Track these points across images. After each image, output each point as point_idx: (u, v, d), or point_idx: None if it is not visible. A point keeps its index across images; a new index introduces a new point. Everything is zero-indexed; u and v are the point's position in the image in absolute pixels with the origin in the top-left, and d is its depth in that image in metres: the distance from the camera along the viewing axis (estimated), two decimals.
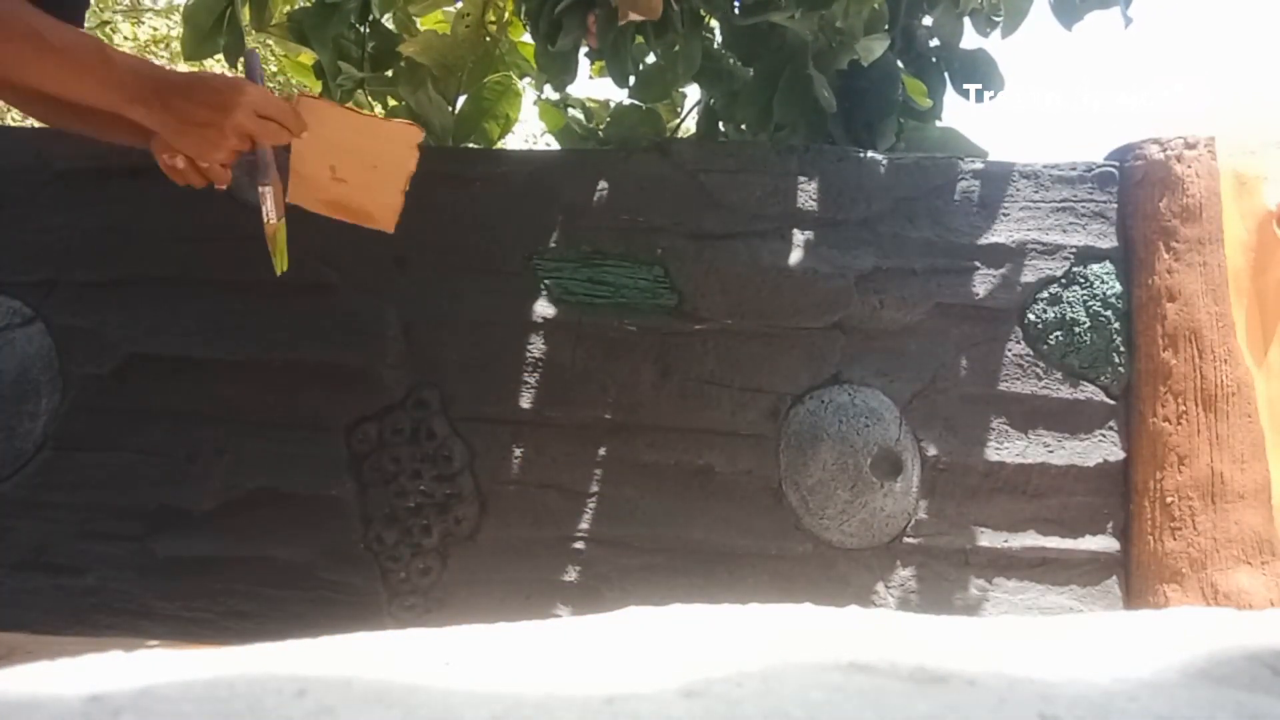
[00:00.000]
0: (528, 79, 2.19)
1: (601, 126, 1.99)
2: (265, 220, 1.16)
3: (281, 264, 1.23)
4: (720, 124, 2.12)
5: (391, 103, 2.28)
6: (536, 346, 1.62)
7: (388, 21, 2.08)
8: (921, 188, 1.66)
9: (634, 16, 1.57)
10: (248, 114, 1.03)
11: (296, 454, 1.59)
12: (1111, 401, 1.62)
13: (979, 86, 1.96)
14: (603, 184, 1.66)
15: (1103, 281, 1.63)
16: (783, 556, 1.58)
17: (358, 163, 1.25)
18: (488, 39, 2.02)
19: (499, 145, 1.98)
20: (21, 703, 0.41)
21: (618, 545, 1.59)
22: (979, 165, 1.67)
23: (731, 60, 1.96)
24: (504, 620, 0.67)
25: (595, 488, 1.60)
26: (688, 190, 1.65)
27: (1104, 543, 1.59)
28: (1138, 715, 0.45)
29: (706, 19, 1.97)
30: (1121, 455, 1.60)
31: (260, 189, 1.14)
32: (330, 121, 1.17)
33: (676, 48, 1.84)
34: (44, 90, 1.00)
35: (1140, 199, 1.64)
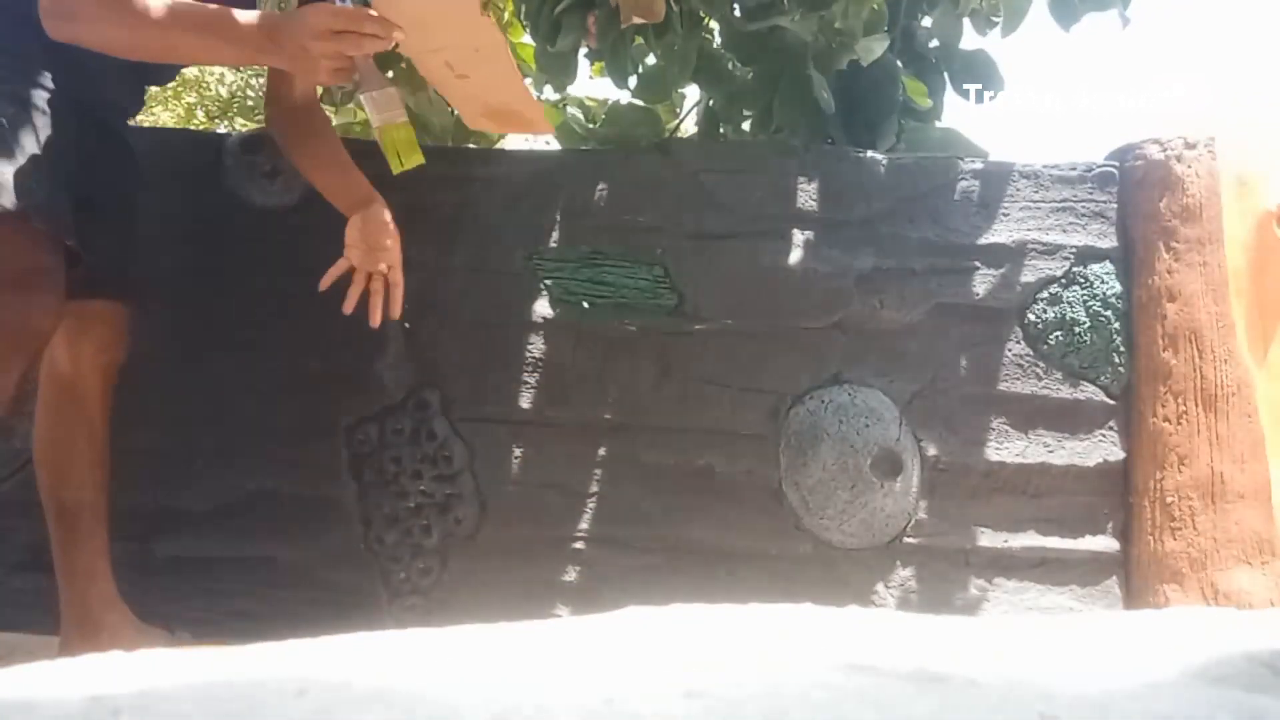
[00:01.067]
0: (528, 79, 2.19)
1: (600, 126, 1.99)
2: (372, 124, 1.25)
3: (396, 165, 1.28)
4: (720, 124, 2.12)
5: None
6: (536, 346, 1.62)
7: None
8: (921, 188, 1.66)
9: (637, 20, 1.56)
10: (322, 35, 1.11)
11: (297, 454, 1.59)
12: (1111, 401, 1.62)
13: (979, 86, 1.96)
14: (603, 184, 1.66)
15: (1103, 281, 1.63)
16: (783, 556, 1.58)
17: (461, 48, 1.24)
18: None
19: (499, 146, 1.98)
20: (21, 703, 0.41)
21: (618, 545, 1.59)
22: (979, 165, 1.67)
23: (731, 61, 1.96)
24: (504, 620, 0.67)
25: (595, 488, 1.60)
26: (688, 190, 1.65)
27: (1104, 543, 1.59)
28: (1138, 715, 0.45)
29: (706, 20, 1.96)
30: (1121, 455, 1.60)
31: (361, 96, 1.23)
32: (407, 10, 1.16)
33: (676, 48, 1.84)
34: (192, 63, 1.23)
35: (1140, 199, 1.64)
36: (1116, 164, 1.68)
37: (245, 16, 1.14)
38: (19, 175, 1.12)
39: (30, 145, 1.15)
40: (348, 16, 1.12)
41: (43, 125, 1.17)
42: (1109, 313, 1.62)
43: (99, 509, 1.33)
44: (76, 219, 1.20)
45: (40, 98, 1.19)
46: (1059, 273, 1.64)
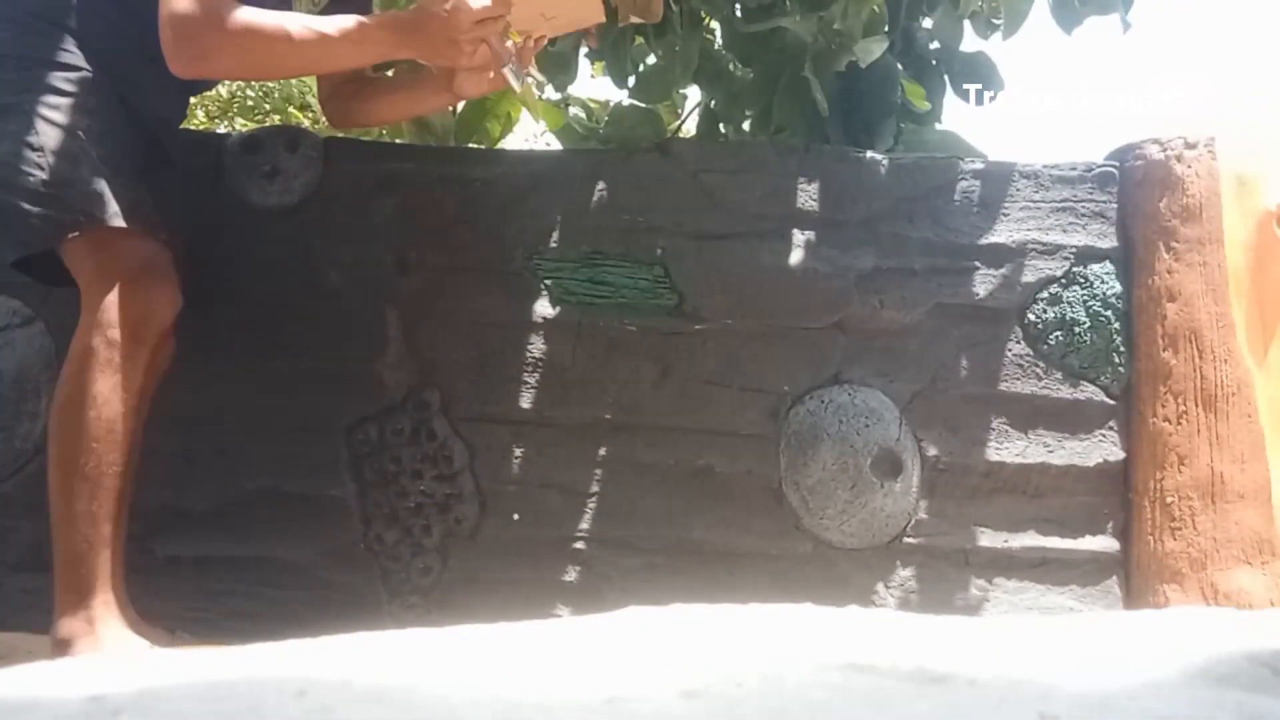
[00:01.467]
0: (529, 78, 2.18)
1: (602, 126, 1.99)
2: (515, 90, 1.40)
3: (537, 116, 1.52)
4: (720, 125, 2.12)
5: None
6: (536, 346, 1.62)
7: None
8: (921, 188, 1.66)
9: (634, 19, 1.57)
10: (470, 29, 1.23)
11: (297, 454, 1.59)
12: (1111, 401, 1.62)
13: (978, 88, 1.96)
14: (603, 184, 1.66)
15: (1103, 281, 1.63)
16: (783, 556, 1.58)
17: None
18: None
19: (500, 145, 1.98)
20: (21, 703, 0.41)
21: (618, 545, 1.59)
22: (979, 165, 1.67)
23: (731, 62, 1.96)
24: (504, 620, 0.67)
25: (595, 488, 1.60)
26: (688, 190, 1.65)
27: (1104, 543, 1.59)
28: (1138, 715, 0.45)
29: (706, 20, 1.97)
30: (1121, 455, 1.60)
31: (504, 71, 1.35)
32: None
33: (677, 49, 1.84)
34: (326, 72, 1.41)
35: (1140, 199, 1.64)
36: (1116, 164, 1.68)
37: (375, 20, 1.25)
38: (107, 183, 1.19)
39: (109, 154, 1.21)
40: (483, 9, 1.23)
41: (118, 136, 1.24)
42: (1109, 313, 1.62)
43: (125, 491, 1.34)
44: None
45: (111, 112, 1.25)
46: (1059, 273, 1.64)
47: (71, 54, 1.23)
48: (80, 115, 1.20)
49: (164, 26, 1.18)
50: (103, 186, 1.18)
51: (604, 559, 1.58)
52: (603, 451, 1.61)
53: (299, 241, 1.63)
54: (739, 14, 1.82)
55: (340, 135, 1.71)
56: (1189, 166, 1.61)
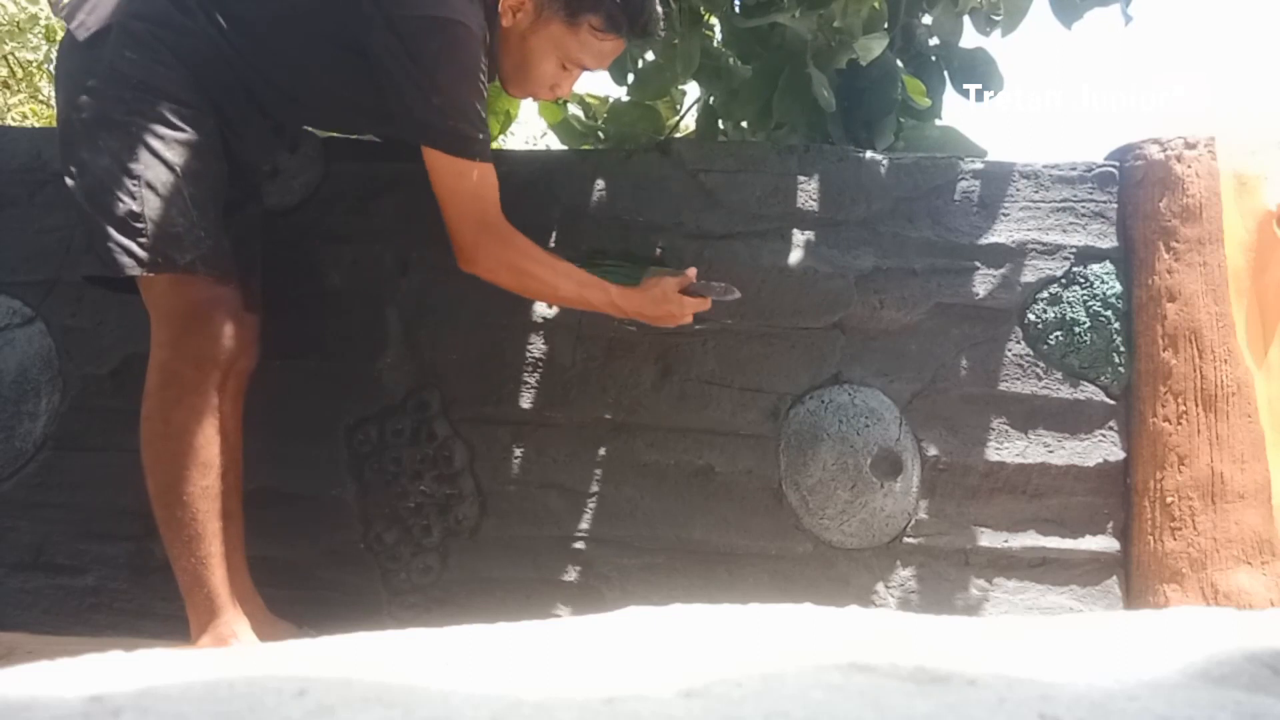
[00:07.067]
0: None
1: (601, 123, 1.99)
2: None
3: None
4: (720, 122, 2.12)
5: None
6: (536, 346, 1.62)
7: None
8: (921, 188, 1.66)
9: None
10: (688, 314, 1.47)
11: (297, 455, 1.59)
12: (1111, 401, 1.62)
13: (978, 86, 1.96)
14: (602, 183, 1.66)
15: (1103, 281, 1.63)
16: (783, 556, 1.58)
17: None
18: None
19: (499, 144, 1.98)
20: (21, 703, 0.41)
21: (618, 545, 1.59)
22: (979, 165, 1.67)
23: (731, 59, 1.96)
24: (504, 620, 0.67)
25: (595, 488, 1.60)
26: (688, 190, 1.65)
27: (1104, 543, 1.59)
28: (1138, 715, 0.45)
29: (706, 17, 1.96)
30: (1121, 455, 1.60)
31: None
32: None
33: (677, 45, 1.84)
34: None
35: (1140, 199, 1.64)
36: (1116, 164, 1.68)
37: (609, 288, 1.44)
38: (191, 227, 1.23)
39: (201, 195, 1.25)
40: (694, 306, 1.46)
41: (211, 173, 1.28)
42: (1109, 313, 1.62)
43: (233, 509, 1.39)
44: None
45: (210, 151, 1.28)
46: (1059, 273, 1.64)
47: (185, 89, 1.25)
48: (180, 150, 1.23)
49: (465, 232, 1.33)
50: (187, 229, 1.22)
51: (604, 559, 1.58)
52: (603, 451, 1.61)
53: (299, 241, 1.63)
54: (737, 10, 1.82)
55: (340, 135, 1.71)
56: (1189, 166, 1.61)
